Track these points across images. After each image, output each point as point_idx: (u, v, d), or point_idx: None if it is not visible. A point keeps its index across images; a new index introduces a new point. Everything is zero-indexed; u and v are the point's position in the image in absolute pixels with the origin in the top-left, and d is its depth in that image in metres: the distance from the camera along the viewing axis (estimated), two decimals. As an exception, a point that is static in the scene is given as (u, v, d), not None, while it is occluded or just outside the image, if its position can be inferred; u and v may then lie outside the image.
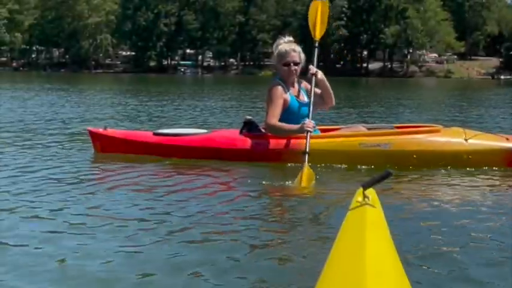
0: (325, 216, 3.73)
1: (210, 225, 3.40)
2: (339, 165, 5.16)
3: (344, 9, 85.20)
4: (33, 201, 3.91)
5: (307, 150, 4.99)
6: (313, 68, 5.47)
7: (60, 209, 3.70)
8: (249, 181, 4.72)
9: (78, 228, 3.28)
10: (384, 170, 1.76)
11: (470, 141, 5.24)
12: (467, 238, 3.17)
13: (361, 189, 1.70)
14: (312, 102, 5.34)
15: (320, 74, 5.43)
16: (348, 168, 5.14)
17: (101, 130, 5.94)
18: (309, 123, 5.17)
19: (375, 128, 5.70)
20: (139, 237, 3.12)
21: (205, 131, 5.87)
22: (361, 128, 5.59)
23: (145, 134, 5.94)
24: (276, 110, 5.32)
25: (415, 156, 5.15)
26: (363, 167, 5.14)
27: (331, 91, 5.54)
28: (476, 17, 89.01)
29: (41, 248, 2.94)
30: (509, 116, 12.88)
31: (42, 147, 6.58)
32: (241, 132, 5.51)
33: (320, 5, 5.96)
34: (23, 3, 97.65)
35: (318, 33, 5.87)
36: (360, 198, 1.68)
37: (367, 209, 1.62)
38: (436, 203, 4.02)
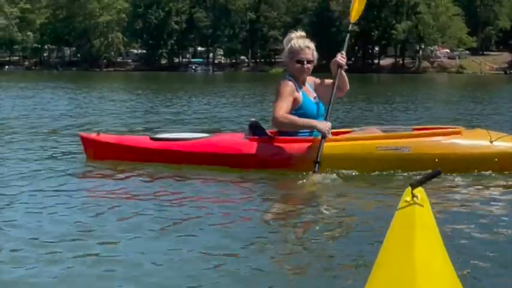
0: (348, 220, 3.65)
1: (217, 233, 3.28)
2: (355, 170, 4.78)
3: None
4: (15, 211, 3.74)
5: (319, 159, 4.64)
6: (343, 59, 5.07)
7: (43, 220, 3.53)
8: (257, 188, 4.48)
9: (70, 239, 3.12)
10: (434, 169, 1.73)
11: (496, 143, 4.87)
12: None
13: (409, 188, 1.68)
14: (332, 101, 4.96)
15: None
16: (364, 173, 4.77)
17: (93, 135, 5.55)
18: (328, 125, 4.80)
19: (391, 131, 5.26)
20: (136, 247, 3.00)
21: (206, 135, 5.42)
22: (376, 131, 5.18)
23: (141, 139, 5.52)
24: (285, 104, 4.86)
25: (437, 160, 4.74)
26: (383, 172, 4.75)
27: (346, 77, 5.15)
28: (488, 11, 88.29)
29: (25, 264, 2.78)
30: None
31: (31, 151, 6.24)
32: (246, 137, 5.09)
33: None
34: (35, 2, 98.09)
35: (354, 15, 5.47)
36: (408, 198, 1.66)
37: (416, 209, 1.60)
38: (463, 207, 3.89)
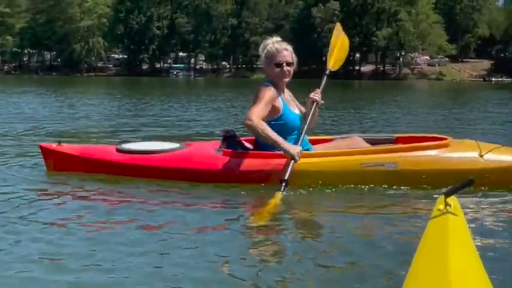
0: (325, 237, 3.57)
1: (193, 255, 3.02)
2: (338, 187, 4.51)
3: (336, 12, 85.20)
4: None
5: (286, 177, 4.34)
6: (317, 95, 4.85)
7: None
8: (233, 204, 4.18)
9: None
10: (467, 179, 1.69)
11: (486, 156, 4.60)
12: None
13: (442, 197, 1.66)
14: (306, 128, 4.73)
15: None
16: (347, 189, 4.52)
17: (53, 146, 5.15)
18: (299, 149, 4.50)
19: (374, 140, 5.01)
20: (100, 269, 2.79)
21: (177, 145, 5.00)
22: (358, 139, 4.92)
23: (106, 150, 5.13)
24: (263, 109, 4.53)
25: (424, 176, 4.53)
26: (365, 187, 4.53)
27: (317, 114, 4.98)
28: (467, 19, 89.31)
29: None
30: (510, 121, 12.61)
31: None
32: (220, 149, 4.75)
33: (341, 37, 5.46)
34: (14, 6, 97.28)
35: (332, 63, 5.33)
36: (441, 207, 1.63)
37: (449, 218, 1.58)
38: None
